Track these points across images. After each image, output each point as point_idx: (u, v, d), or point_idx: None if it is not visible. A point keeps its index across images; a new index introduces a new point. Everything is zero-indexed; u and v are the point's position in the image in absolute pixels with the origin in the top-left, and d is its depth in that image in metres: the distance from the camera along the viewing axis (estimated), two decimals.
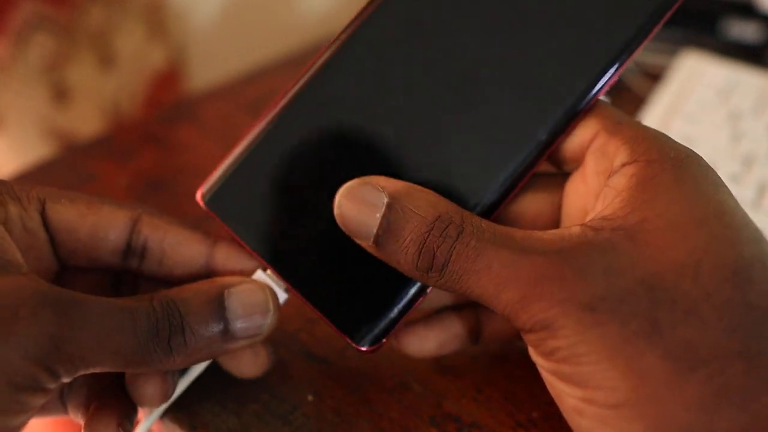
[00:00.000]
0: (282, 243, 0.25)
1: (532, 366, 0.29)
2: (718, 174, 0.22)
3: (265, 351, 0.27)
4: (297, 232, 0.25)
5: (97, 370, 0.22)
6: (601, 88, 0.24)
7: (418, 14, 0.25)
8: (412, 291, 0.24)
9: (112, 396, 0.25)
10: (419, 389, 0.28)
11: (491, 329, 0.28)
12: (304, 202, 0.25)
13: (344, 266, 0.24)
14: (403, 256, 0.22)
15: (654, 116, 0.41)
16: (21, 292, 0.21)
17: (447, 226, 0.22)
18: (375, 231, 0.22)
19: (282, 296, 0.25)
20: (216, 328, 0.23)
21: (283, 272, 0.25)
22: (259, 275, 0.25)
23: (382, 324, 0.24)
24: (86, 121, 0.50)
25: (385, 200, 0.22)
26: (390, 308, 0.24)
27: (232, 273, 0.26)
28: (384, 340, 0.24)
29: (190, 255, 0.26)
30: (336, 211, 0.23)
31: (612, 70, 0.24)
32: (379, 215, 0.22)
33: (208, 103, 0.47)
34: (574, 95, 0.24)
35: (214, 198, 0.25)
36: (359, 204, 0.23)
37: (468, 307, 0.28)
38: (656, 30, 0.25)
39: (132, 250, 0.26)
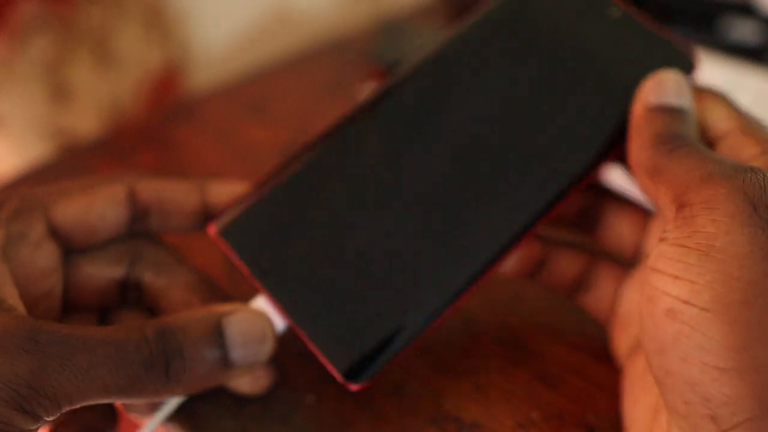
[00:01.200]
0: (290, 280, 0.26)
1: (533, 366, 0.29)
2: None
3: (266, 372, 0.27)
4: (306, 272, 0.26)
5: (86, 404, 0.21)
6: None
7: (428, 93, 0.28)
8: (412, 336, 0.25)
9: (85, 409, 0.25)
10: (419, 389, 0.28)
11: (553, 270, 0.29)
12: (317, 244, 0.26)
13: (350, 310, 0.25)
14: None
15: None
16: None
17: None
18: (676, 104, 0.25)
19: (279, 324, 0.26)
20: (215, 356, 0.23)
21: (287, 308, 0.25)
22: (256, 303, 0.26)
23: (378, 364, 0.25)
24: (86, 121, 0.50)
25: (687, 105, 0.25)
26: (388, 352, 0.25)
27: (227, 205, 0.27)
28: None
29: (186, 202, 0.28)
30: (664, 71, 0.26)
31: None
32: (679, 102, 0.25)
33: (208, 103, 0.47)
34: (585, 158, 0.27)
35: (230, 229, 0.27)
36: (678, 90, 0.26)
37: (540, 239, 0.29)
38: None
39: (136, 215, 0.27)
